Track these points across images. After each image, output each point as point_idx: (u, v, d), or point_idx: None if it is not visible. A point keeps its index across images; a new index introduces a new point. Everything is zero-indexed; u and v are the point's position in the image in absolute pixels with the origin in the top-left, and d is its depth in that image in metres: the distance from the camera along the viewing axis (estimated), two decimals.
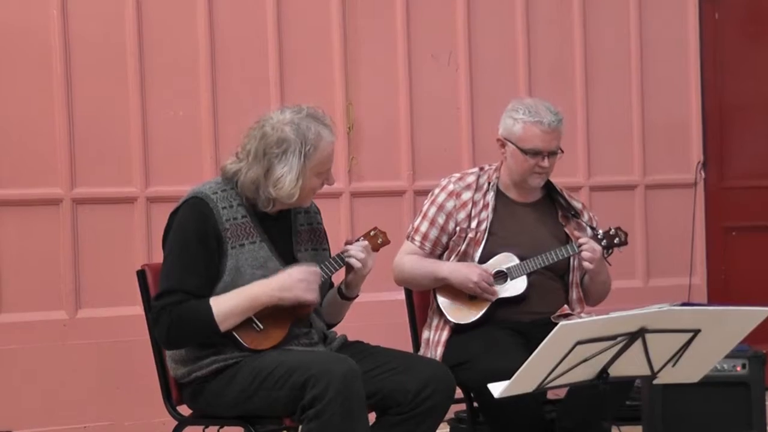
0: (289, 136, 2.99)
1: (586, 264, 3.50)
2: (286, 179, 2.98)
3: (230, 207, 3.04)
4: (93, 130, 4.85)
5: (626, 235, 3.62)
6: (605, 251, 3.60)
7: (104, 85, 4.88)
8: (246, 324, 3.00)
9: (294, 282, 2.98)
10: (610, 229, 3.60)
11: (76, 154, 4.83)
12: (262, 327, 3.01)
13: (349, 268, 3.14)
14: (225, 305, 2.95)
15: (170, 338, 2.98)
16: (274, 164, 2.99)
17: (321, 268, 3.11)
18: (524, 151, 3.53)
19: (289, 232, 3.16)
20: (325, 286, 3.19)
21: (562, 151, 3.60)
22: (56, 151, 4.81)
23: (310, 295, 2.99)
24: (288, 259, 3.11)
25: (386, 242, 3.23)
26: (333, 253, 3.22)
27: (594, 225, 3.69)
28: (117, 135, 4.89)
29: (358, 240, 3.17)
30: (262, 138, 3.01)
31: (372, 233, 3.21)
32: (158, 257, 4.69)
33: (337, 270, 3.15)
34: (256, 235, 3.05)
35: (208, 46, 5.01)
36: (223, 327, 2.96)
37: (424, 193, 4.81)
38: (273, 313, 3.02)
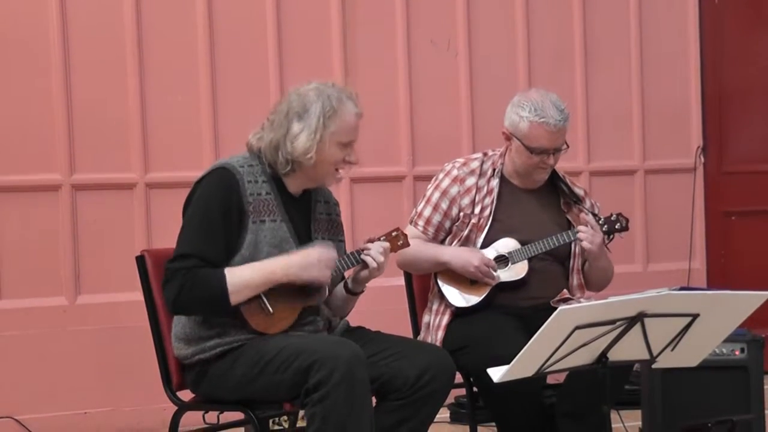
0: (312, 98, 3.05)
1: (585, 245, 3.50)
2: (303, 135, 3.01)
3: (255, 182, 3.05)
4: (92, 116, 4.85)
5: (627, 221, 3.62)
6: (606, 237, 3.61)
7: (103, 70, 4.88)
8: (256, 306, 3.00)
9: (312, 262, 2.99)
10: (611, 215, 3.60)
11: (75, 140, 4.83)
12: (272, 311, 3.01)
13: (363, 264, 3.15)
14: (240, 276, 2.95)
15: (179, 301, 2.96)
16: (294, 123, 3.03)
17: (338, 261, 3.11)
18: (530, 149, 3.53)
19: (308, 217, 3.17)
20: (337, 280, 3.20)
21: (568, 146, 3.59)
22: (55, 137, 4.81)
23: (324, 275, 3.01)
24: (305, 243, 3.11)
25: (406, 245, 3.23)
26: (348, 247, 3.24)
27: (596, 212, 3.69)
28: (116, 121, 4.89)
29: (379, 239, 3.17)
30: (287, 104, 3.07)
31: (394, 234, 3.21)
32: (157, 243, 4.73)
33: (352, 266, 3.16)
34: (277, 213, 3.06)
35: (207, 31, 5.01)
36: (234, 299, 2.95)
37: (423, 178, 4.83)
38: (284, 299, 3.02)
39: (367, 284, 3.22)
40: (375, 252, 3.11)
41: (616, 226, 3.60)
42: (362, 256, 3.12)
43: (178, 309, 3.02)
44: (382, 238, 3.17)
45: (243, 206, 3.00)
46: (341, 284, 3.23)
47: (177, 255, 2.98)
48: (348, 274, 3.23)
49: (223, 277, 2.94)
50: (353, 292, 3.22)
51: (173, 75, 4.97)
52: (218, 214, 2.99)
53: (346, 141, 3.08)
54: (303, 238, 3.11)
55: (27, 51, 4.78)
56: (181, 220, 3.06)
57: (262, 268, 2.97)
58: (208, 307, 2.99)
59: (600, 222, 3.59)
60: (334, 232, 3.24)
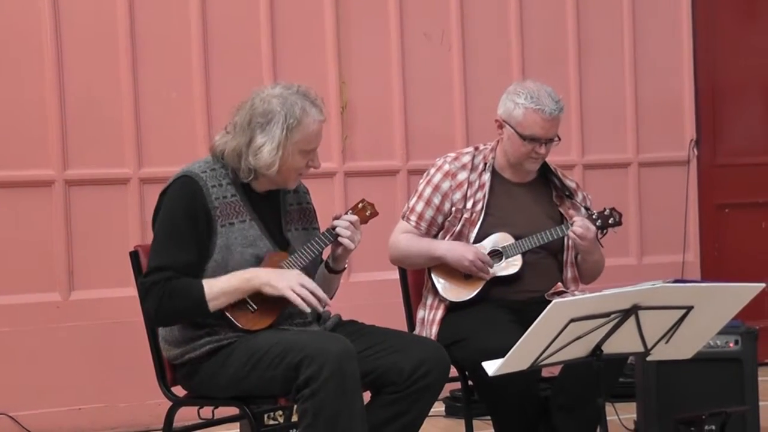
0: (275, 108, 3.01)
1: (574, 239, 3.50)
2: (266, 149, 2.99)
3: (219, 185, 3.04)
4: (85, 111, 4.84)
5: (620, 215, 3.62)
6: (600, 231, 3.60)
7: (96, 65, 4.86)
8: (240, 305, 3.00)
9: (288, 277, 2.97)
10: (604, 210, 3.60)
11: (68, 135, 4.82)
12: (255, 308, 3.01)
13: (336, 242, 3.15)
14: (217, 284, 2.96)
15: (159, 314, 2.97)
16: (257, 134, 3.01)
17: (312, 244, 3.11)
18: (522, 137, 3.53)
19: (278, 211, 3.17)
20: (316, 261, 3.19)
21: (559, 139, 3.60)
22: (48, 133, 4.79)
23: (291, 293, 2.95)
24: (277, 238, 3.11)
25: (374, 214, 3.23)
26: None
27: (588, 205, 3.69)
28: (109, 116, 4.88)
29: (346, 213, 3.17)
30: (250, 109, 3.03)
31: (360, 206, 3.21)
32: (151, 239, 4.70)
33: (327, 245, 3.15)
34: (245, 213, 3.05)
35: (201, 26, 4.99)
36: (213, 305, 2.95)
37: (417, 172, 4.83)
38: (267, 296, 3.02)
39: (347, 260, 3.21)
40: (341, 228, 3.10)
41: (610, 221, 3.59)
42: (336, 231, 3.11)
43: (160, 321, 3.04)
44: (348, 212, 3.18)
45: (209, 212, 3.00)
46: (322, 266, 3.23)
47: (150, 269, 2.99)
48: (326, 255, 3.22)
49: (201, 286, 2.94)
50: (335, 270, 3.21)
51: (167, 70, 4.96)
52: (185, 222, 2.98)
53: (308, 149, 3.07)
54: (275, 233, 3.12)
55: (19, 47, 4.77)
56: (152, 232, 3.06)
57: (238, 276, 2.96)
58: (189, 317, 3.00)
59: (593, 217, 3.59)
60: (307, 221, 3.24)
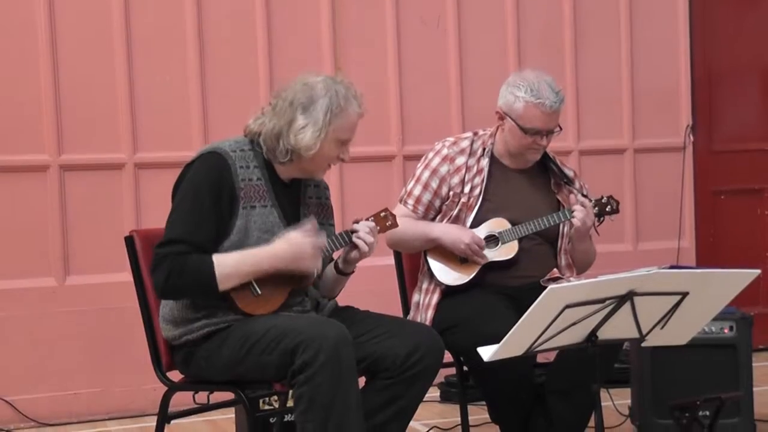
0: (320, 92, 3.03)
1: (575, 221, 3.50)
2: (309, 130, 3.00)
3: (246, 167, 3.03)
4: (80, 96, 4.83)
5: (618, 203, 3.62)
6: (597, 219, 3.60)
7: (90, 50, 4.85)
8: (244, 287, 2.99)
9: (302, 254, 2.98)
10: (602, 198, 3.60)
11: (63, 120, 4.81)
12: (260, 292, 3.00)
13: (352, 245, 3.14)
14: (228, 265, 2.94)
15: (167, 287, 2.96)
16: (298, 114, 3.02)
17: (326, 243, 3.11)
18: (524, 130, 3.52)
19: (298, 202, 3.16)
20: (326, 261, 3.19)
21: (560, 129, 3.59)
22: (43, 118, 4.79)
23: (314, 265, 3.00)
24: (294, 228, 3.10)
25: (395, 225, 3.22)
26: (337, 228, 3.23)
27: (585, 193, 3.69)
28: (104, 101, 4.87)
29: (367, 219, 3.16)
30: (293, 91, 3.05)
31: (382, 214, 3.20)
32: (146, 224, 4.71)
33: (342, 247, 3.15)
34: (268, 198, 3.05)
35: (196, 10, 4.98)
36: (222, 287, 2.95)
37: (413, 158, 4.82)
38: (273, 280, 3.01)
39: (357, 264, 3.21)
40: (363, 233, 3.11)
41: (607, 209, 3.59)
42: (353, 238, 3.11)
43: (166, 294, 3.02)
44: (370, 219, 3.17)
45: (234, 191, 2.99)
46: (331, 265, 3.22)
47: (166, 240, 2.97)
48: (337, 255, 3.22)
49: (212, 264, 2.93)
50: (344, 273, 3.21)
51: (161, 55, 4.95)
52: (208, 198, 2.97)
53: (344, 138, 3.09)
54: (292, 223, 3.10)
55: (14, 32, 4.75)
56: (170, 202, 3.05)
57: (250, 259, 2.96)
58: (196, 293, 2.99)
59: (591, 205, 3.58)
60: (324, 216, 3.23)
